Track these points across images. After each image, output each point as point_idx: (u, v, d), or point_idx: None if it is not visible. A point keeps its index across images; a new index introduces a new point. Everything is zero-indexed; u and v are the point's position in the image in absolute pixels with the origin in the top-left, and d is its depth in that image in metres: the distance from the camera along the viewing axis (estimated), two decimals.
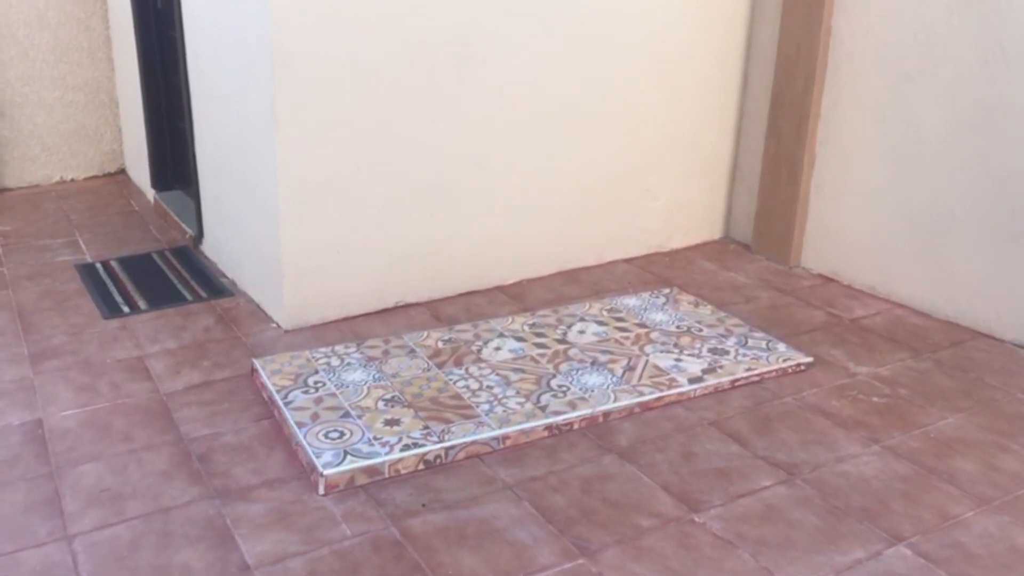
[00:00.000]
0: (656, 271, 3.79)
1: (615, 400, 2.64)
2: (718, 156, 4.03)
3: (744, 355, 2.95)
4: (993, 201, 3.12)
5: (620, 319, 3.22)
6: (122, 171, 5.31)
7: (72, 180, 5.17)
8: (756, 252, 3.98)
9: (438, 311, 3.35)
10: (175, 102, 4.34)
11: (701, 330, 3.14)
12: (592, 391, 2.69)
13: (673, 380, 2.77)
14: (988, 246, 3.16)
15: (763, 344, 3.04)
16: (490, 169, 3.43)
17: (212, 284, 3.63)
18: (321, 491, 2.25)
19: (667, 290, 3.51)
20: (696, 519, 2.18)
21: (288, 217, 3.07)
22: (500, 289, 3.56)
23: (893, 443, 2.52)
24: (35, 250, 4.03)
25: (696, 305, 3.36)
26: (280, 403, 2.58)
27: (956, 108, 3.18)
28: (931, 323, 3.32)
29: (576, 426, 2.56)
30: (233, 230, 3.59)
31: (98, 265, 3.84)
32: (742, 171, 4.05)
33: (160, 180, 4.61)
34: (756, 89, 3.90)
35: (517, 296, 3.50)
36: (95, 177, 5.24)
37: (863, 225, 3.57)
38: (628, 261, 3.89)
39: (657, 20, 3.64)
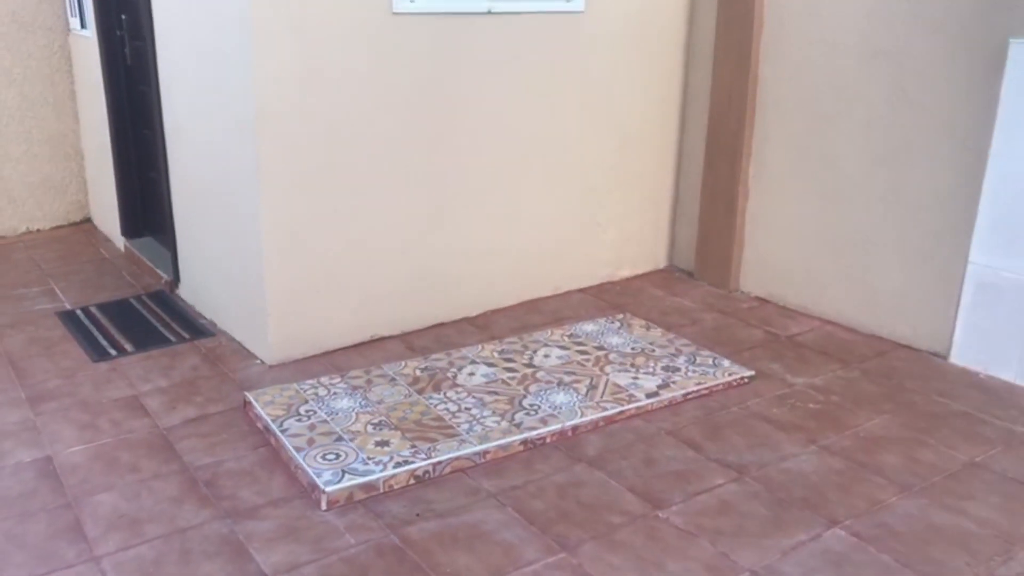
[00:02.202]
0: (609, 299, 4.11)
1: (582, 415, 2.93)
2: (661, 193, 4.40)
3: (693, 371, 3.27)
4: (905, 227, 3.52)
5: (580, 343, 3.52)
6: (87, 220, 5.46)
7: (38, 230, 5.31)
8: (699, 278, 4.34)
9: (411, 342, 3.61)
10: (145, 153, 4.55)
11: (654, 350, 3.46)
12: (560, 408, 2.98)
13: (632, 396, 3.08)
14: (903, 267, 3.55)
15: (710, 361, 3.36)
16: (456, 212, 3.73)
17: (193, 325, 3.83)
18: (323, 507, 2.48)
19: (621, 316, 3.83)
20: (660, 515, 2.47)
21: (271, 260, 3.31)
22: (467, 320, 3.84)
23: (828, 443, 2.86)
24: (12, 299, 4.17)
25: (647, 328, 3.69)
26: (277, 431, 2.81)
27: (869, 145, 3.58)
28: (858, 337, 3.69)
29: (548, 440, 2.84)
30: (213, 274, 3.81)
31: (79, 311, 4.01)
32: (683, 205, 4.42)
33: (130, 228, 4.79)
34: (693, 132, 4.28)
35: (483, 326, 3.78)
36: (61, 227, 5.38)
37: (794, 251, 3.95)
38: (583, 291, 4.21)
39: (602, 74, 4.00)
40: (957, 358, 3.40)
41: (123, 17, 4.40)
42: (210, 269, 3.83)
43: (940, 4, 3.27)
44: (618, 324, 3.73)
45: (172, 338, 3.70)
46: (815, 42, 3.69)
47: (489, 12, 3.56)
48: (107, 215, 5.06)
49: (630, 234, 4.35)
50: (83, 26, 4.80)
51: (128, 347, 3.61)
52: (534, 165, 3.91)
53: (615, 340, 3.56)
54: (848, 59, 3.59)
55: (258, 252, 3.31)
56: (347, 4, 3.21)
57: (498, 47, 3.64)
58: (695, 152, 4.28)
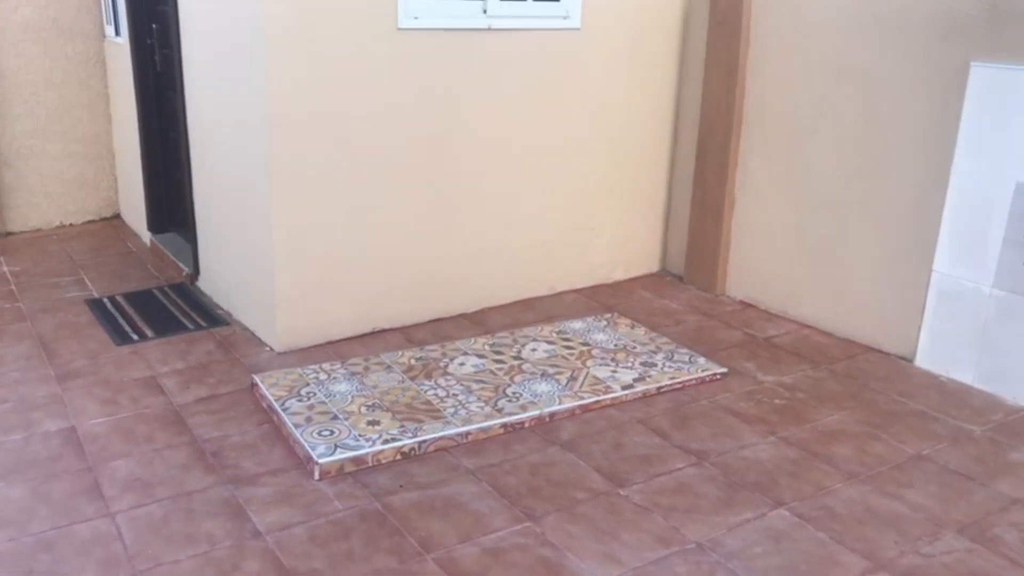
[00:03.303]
0: (601, 300, 4.35)
1: (560, 403, 3.17)
2: (654, 200, 4.63)
3: (669, 367, 3.50)
4: (875, 237, 3.73)
5: (567, 339, 3.76)
6: (117, 216, 5.79)
7: (71, 224, 5.64)
8: (688, 283, 4.56)
9: (410, 335, 3.87)
10: (171, 154, 4.85)
11: (635, 347, 3.69)
12: (541, 396, 3.22)
13: (608, 387, 3.31)
14: (873, 275, 3.76)
15: (686, 358, 3.59)
16: (456, 215, 3.98)
17: (209, 315, 4.11)
18: (316, 477, 2.74)
19: (608, 315, 4.06)
20: (621, 493, 2.70)
21: (280, 256, 3.58)
22: (464, 316, 4.09)
23: (787, 435, 3.07)
24: (46, 287, 4.49)
25: (632, 327, 3.92)
26: (279, 409, 3.08)
27: (843, 159, 3.79)
28: (832, 340, 3.90)
29: (527, 424, 3.08)
30: (229, 268, 4.10)
31: (105, 300, 4.31)
32: (675, 212, 4.65)
33: (156, 224, 5.10)
34: (684, 143, 4.51)
35: (479, 322, 4.03)
36: (92, 221, 5.71)
37: (774, 258, 4.16)
38: (577, 292, 4.45)
39: (598, 87, 4.24)
40: (921, 361, 3.60)
41: (154, 26, 4.71)
42: (226, 263, 4.12)
43: (908, 29, 3.48)
44: (605, 323, 3.97)
45: (190, 326, 3.99)
46: (796, 61, 3.91)
47: (489, 28, 3.82)
48: (135, 211, 5.38)
49: (624, 239, 4.58)
50: (117, 34, 5.13)
51: (149, 333, 3.90)
52: (532, 173, 4.16)
53: (600, 337, 3.80)
54: (825, 78, 3.81)
55: (268, 248, 3.59)
56: (354, 20, 3.48)
57: (497, 61, 3.90)
58: (686, 162, 4.51)
